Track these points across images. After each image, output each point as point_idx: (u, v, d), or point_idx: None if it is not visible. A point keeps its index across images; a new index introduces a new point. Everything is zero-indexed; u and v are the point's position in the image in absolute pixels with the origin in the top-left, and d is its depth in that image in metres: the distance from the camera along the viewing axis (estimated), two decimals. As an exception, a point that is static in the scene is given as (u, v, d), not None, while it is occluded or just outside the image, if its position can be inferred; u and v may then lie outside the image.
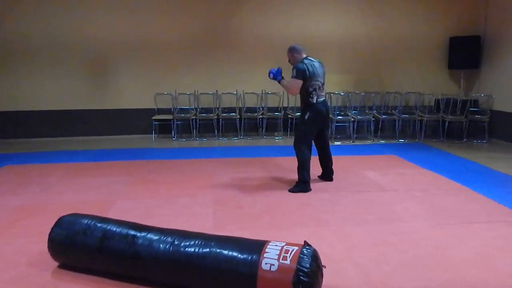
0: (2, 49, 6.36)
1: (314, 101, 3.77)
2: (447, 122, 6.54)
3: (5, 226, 3.01)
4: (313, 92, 3.76)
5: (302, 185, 3.84)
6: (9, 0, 6.27)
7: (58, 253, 2.34)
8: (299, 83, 3.70)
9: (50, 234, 2.33)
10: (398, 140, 6.58)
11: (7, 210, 3.35)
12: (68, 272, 2.33)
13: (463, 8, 6.97)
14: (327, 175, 4.20)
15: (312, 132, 3.89)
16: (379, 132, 6.78)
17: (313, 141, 3.99)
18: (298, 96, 3.94)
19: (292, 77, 3.75)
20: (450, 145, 6.22)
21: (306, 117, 3.80)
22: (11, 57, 6.39)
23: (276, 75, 3.89)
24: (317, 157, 4.13)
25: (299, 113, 6.61)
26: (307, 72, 3.69)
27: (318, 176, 4.25)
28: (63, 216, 2.42)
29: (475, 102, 6.79)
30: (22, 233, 2.89)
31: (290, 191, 3.83)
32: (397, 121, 6.74)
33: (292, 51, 3.87)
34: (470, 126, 6.64)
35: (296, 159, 3.88)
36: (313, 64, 3.75)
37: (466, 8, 6.97)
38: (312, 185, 3.95)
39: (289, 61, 3.93)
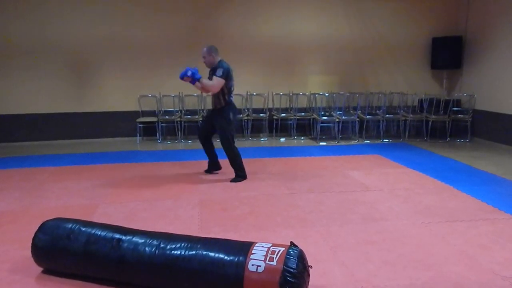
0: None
1: (232, 99, 4.12)
2: (430, 122, 6.67)
3: (-15, 232, 2.94)
4: (231, 92, 4.09)
5: (242, 175, 4.24)
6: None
7: (42, 259, 2.30)
8: (223, 82, 3.93)
9: (33, 239, 2.29)
10: (382, 140, 6.67)
11: (-13, 216, 3.27)
12: (52, 278, 2.29)
13: (445, 9, 7.12)
14: (216, 165, 4.48)
15: (234, 129, 4.24)
16: (363, 132, 6.86)
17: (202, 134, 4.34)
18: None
19: (218, 76, 3.92)
20: (434, 144, 6.35)
21: (231, 117, 4.09)
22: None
23: (195, 73, 3.88)
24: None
25: (284, 114, 6.74)
26: (231, 72, 4.01)
27: (205, 171, 4.53)
28: (46, 221, 2.38)
29: (458, 102, 6.95)
30: (3, 239, 2.83)
31: (232, 181, 4.18)
32: (381, 121, 6.83)
33: (213, 51, 4.03)
34: (453, 126, 6.79)
35: (229, 157, 4.19)
36: (230, 66, 4.03)
37: (448, 9, 7.12)
38: (297, 187, 4.03)
39: (204, 61, 4.06)
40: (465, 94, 6.87)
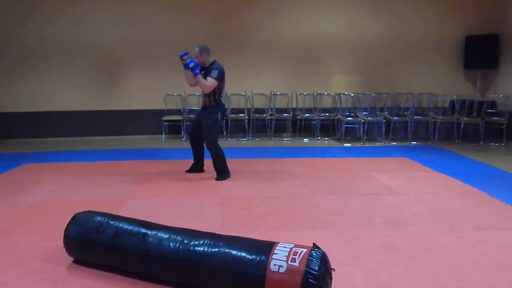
0: (20, 53, 6.52)
1: (222, 99, 4.24)
2: (462, 124, 6.43)
3: (21, 223, 3.08)
4: (222, 92, 4.20)
5: (225, 172, 4.29)
6: (23, 5, 6.40)
7: (73, 249, 2.40)
8: (216, 84, 4.02)
9: (65, 231, 2.39)
10: (410, 142, 6.50)
11: (23, 207, 3.43)
12: (82, 268, 2.38)
13: (480, 5, 6.84)
14: (200, 167, 4.50)
15: (219, 129, 4.30)
16: (390, 134, 6.71)
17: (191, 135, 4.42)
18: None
19: (213, 77, 4.00)
20: (465, 148, 6.12)
21: (219, 117, 4.16)
22: (28, 61, 6.54)
23: (195, 67, 3.93)
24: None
25: (308, 114, 6.69)
26: (224, 74, 4.10)
27: (186, 171, 4.52)
28: (77, 213, 2.47)
29: (493, 104, 6.66)
30: (37, 230, 2.96)
31: (217, 179, 4.22)
32: (409, 123, 6.66)
33: (205, 51, 4.10)
34: (487, 129, 6.49)
35: (212, 156, 4.24)
36: (223, 68, 4.11)
37: (483, 6, 6.84)
38: (319, 188, 3.99)
39: (196, 60, 4.06)
40: (500, 96, 6.58)
